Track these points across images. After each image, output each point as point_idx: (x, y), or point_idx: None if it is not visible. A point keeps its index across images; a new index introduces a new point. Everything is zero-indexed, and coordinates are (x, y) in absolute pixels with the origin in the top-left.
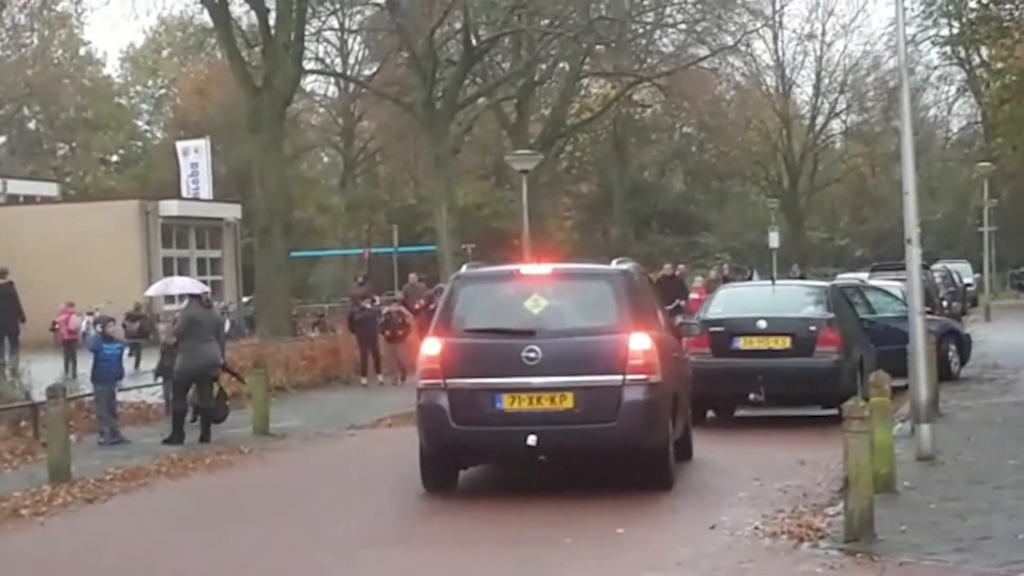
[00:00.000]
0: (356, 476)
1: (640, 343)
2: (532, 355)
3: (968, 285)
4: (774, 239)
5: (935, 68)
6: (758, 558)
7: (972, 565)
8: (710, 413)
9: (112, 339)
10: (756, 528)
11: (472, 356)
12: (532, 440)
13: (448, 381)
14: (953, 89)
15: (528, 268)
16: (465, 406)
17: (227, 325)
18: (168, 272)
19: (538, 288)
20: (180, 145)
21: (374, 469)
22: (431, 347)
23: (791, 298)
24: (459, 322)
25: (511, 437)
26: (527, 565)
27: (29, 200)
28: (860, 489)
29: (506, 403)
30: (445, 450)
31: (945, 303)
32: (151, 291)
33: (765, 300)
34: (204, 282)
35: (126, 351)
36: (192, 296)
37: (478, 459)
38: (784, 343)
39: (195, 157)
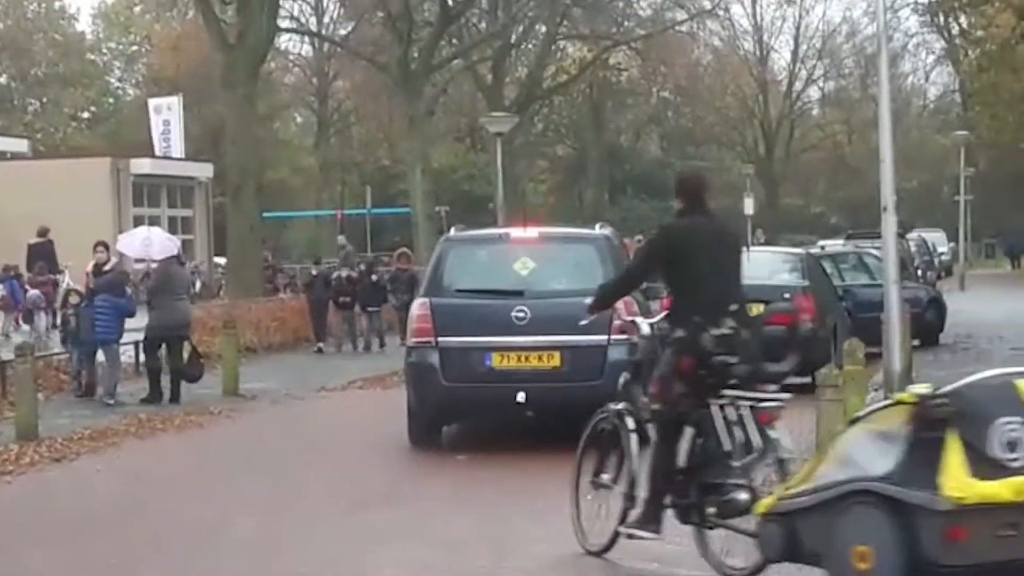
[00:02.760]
0: (326, 437)
1: (623, 305)
2: (521, 315)
3: (942, 254)
4: (749, 205)
5: (913, 36)
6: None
7: None
8: None
9: (118, 295)
10: None
11: (463, 316)
12: (521, 397)
13: (439, 340)
14: (931, 57)
15: (516, 232)
16: (456, 364)
17: (197, 285)
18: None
19: (525, 251)
20: (152, 102)
21: (345, 431)
22: (422, 307)
23: (765, 265)
24: (449, 283)
25: (500, 394)
26: (502, 529)
27: None
28: None
29: (495, 361)
30: (435, 406)
31: (920, 272)
32: (125, 247)
33: None
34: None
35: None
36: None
37: (467, 415)
38: (758, 310)
39: (167, 115)
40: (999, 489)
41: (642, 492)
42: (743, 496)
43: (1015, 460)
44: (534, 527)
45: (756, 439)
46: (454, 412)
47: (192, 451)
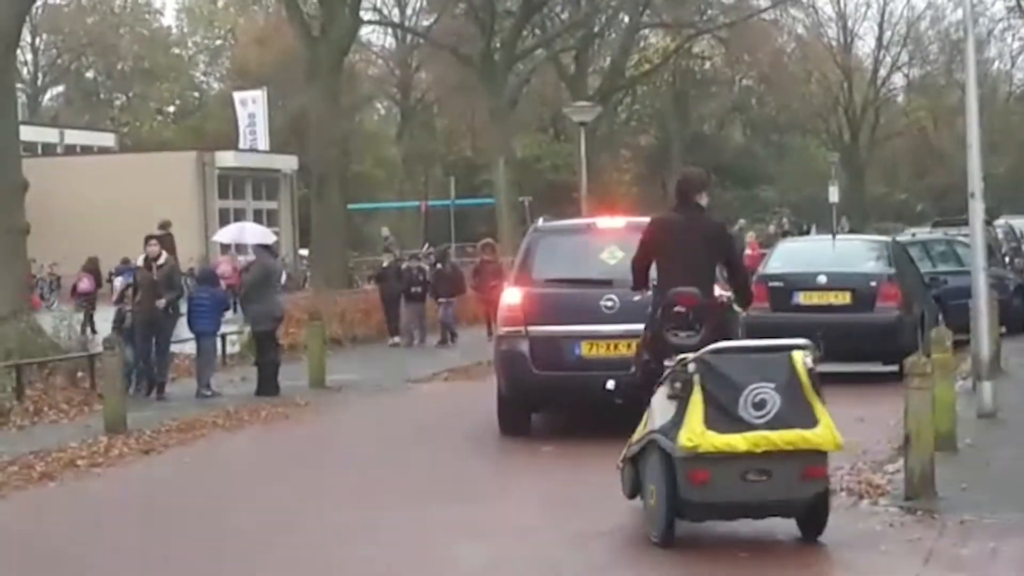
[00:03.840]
0: (411, 429)
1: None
2: (610, 304)
3: None
4: (834, 193)
5: (999, 21)
6: None
7: None
8: None
9: (215, 286)
10: None
11: (552, 305)
12: (611, 385)
13: (529, 329)
14: (1018, 43)
15: (604, 221)
16: (545, 352)
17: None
18: (224, 223)
19: (614, 240)
20: (237, 95)
21: (430, 423)
22: (512, 296)
23: (852, 253)
24: (539, 273)
25: (589, 382)
26: (584, 522)
27: (86, 150)
28: (921, 446)
29: (585, 350)
30: (525, 394)
31: (1007, 258)
32: (221, 236)
33: (825, 255)
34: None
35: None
36: (263, 247)
37: (557, 403)
38: (844, 298)
39: (252, 108)
40: (734, 441)
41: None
42: None
43: (761, 417)
44: (612, 521)
45: None
46: (544, 400)
47: (278, 443)
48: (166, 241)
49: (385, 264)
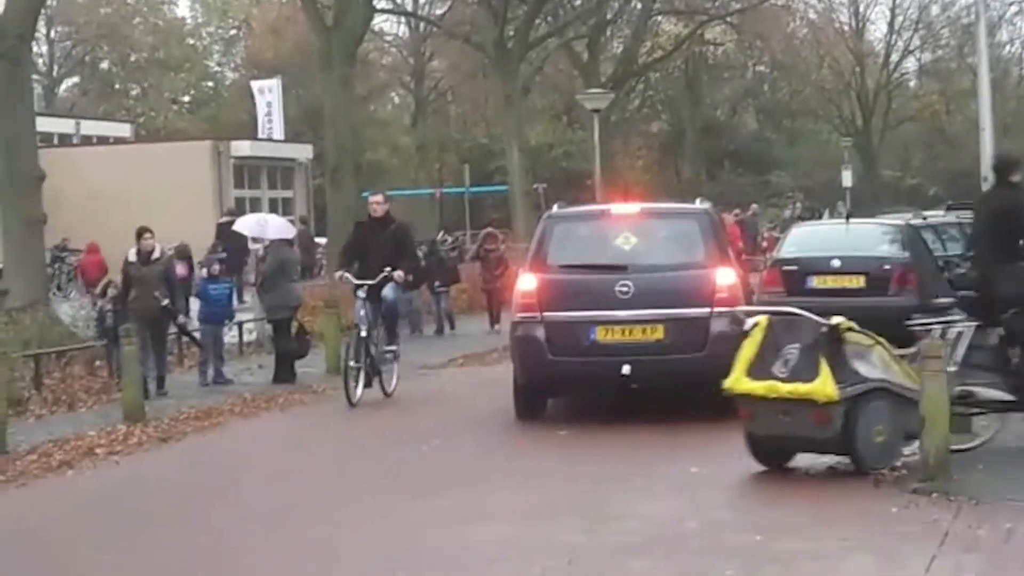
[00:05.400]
0: (427, 415)
1: (726, 277)
2: (625, 289)
3: None
4: (847, 178)
5: (1011, 4)
6: (833, 497)
7: None
8: None
9: (217, 279)
10: (831, 468)
11: (567, 291)
12: (626, 370)
13: (544, 314)
14: None
15: (618, 207)
16: (561, 338)
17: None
18: (241, 212)
19: (628, 226)
20: (255, 85)
21: (446, 408)
22: (528, 282)
23: (866, 237)
24: (554, 258)
25: (605, 367)
26: (596, 507)
27: (102, 141)
28: (936, 429)
29: (600, 335)
30: (541, 380)
31: (1021, 243)
32: (241, 227)
33: (839, 239)
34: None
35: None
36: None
37: (572, 389)
38: (859, 282)
39: (269, 96)
40: (754, 386)
41: None
42: None
43: (782, 371)
44: (630, 504)
45: None
46: (560, 385)
47: (296, 430)
48: (224, 230)
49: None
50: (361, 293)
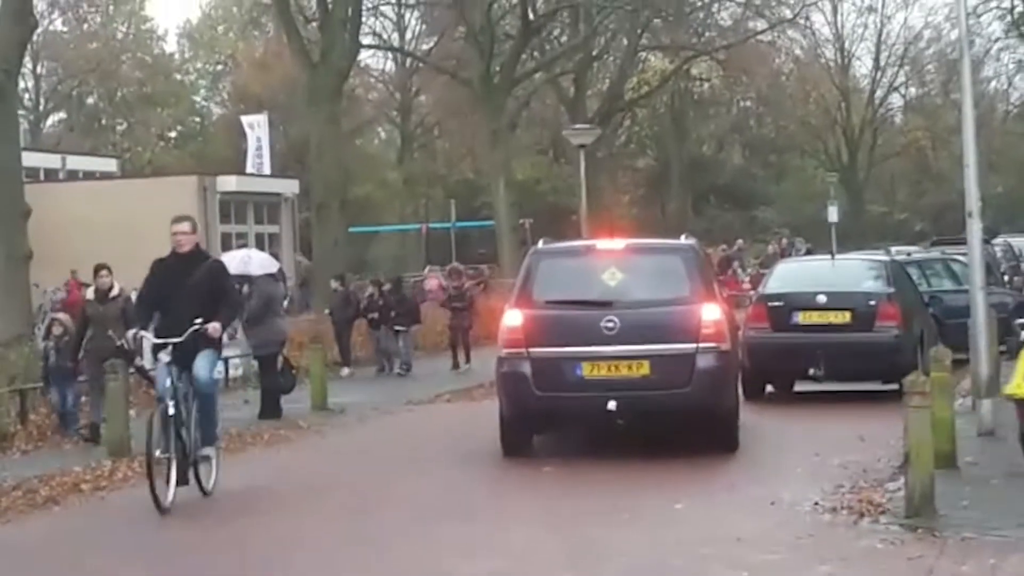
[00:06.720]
0: (413, 450)
1: (711, 313)
2: (610, 325)
3: None
4: (833, 213)
5: (996, 40)
6: (818, 533)
7: None
8: (769, 388)
9: None
10: (816, 504)
11: (553, 326)
12: (612, 405)
13: (531, 350)
14: (1014, 62)
15: (603, 243)
16: (547, 373)
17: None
18: (226, 248)
19: (613, 262)
20: (245, 120)
21: (432, 443)
22: (514, 318)
23: (851, 272)
24: (539, 294)
25: (591, 402)
26: (581, 543)
27: (88, 176)
28: (921, 464)
29: (586, 370)
30: (527, 415)
31: (1006, 277)
32: (226, 262)
33: (824, 274)
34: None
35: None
36: (267, 273)
37: (559, 424)
38: (844, 317)
39: (259, 131)
40: None
41: None
42: None
43: None
44: (615, 540)
45: None
46: (546, 421)
47: (281, 465)
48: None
49: (334, 288)
50: (164, 356)
